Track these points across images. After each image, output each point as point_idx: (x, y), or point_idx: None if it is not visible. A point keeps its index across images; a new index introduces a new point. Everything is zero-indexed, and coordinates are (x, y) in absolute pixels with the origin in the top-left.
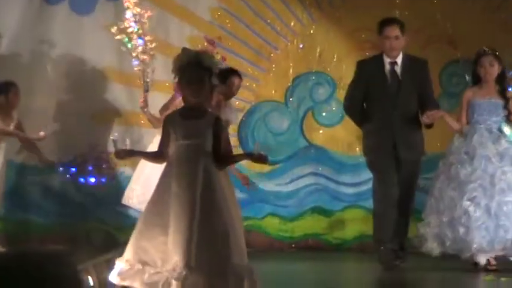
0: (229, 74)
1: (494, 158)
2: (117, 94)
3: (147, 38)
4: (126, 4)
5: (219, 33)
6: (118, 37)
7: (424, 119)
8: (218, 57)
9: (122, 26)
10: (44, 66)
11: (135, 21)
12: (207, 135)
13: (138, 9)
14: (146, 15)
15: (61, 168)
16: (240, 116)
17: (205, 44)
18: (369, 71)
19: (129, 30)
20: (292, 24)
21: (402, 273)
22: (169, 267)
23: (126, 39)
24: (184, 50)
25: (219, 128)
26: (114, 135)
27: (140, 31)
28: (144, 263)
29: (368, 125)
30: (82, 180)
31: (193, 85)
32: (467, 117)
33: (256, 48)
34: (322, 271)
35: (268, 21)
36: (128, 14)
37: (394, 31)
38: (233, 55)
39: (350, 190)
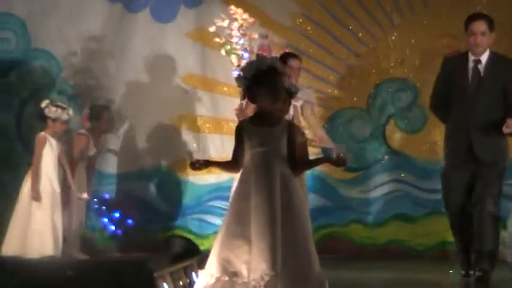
0: (286, 58)
1: None
2: (200, 101)
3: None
4: (233, 15)
5: (300, 40)
6: (217, 39)
7: (504, 128)
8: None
9: (218, 24)
10: (125, 72)
11: (243, 34)
12: (282, 141)
13: (246, 16)
14: (251, 24)
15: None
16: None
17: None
18: (451, 68)
19: (234, 40)
20: (373, 30)
21: (478, 281)
22: (256, 276)
23: (229, 47)
24: (259, 57)
25: (293, 133)
26: (193, 146)
27: (247, 44)
28: (231, 275)
29: (448, 127)
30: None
31: (272, 92)
32: None
33: (338, 54)
34: (404, 278)
35: (350, 27)
36: (235, 25)
37: (480, 26)
38: (314, 61)
39: (433, 196)
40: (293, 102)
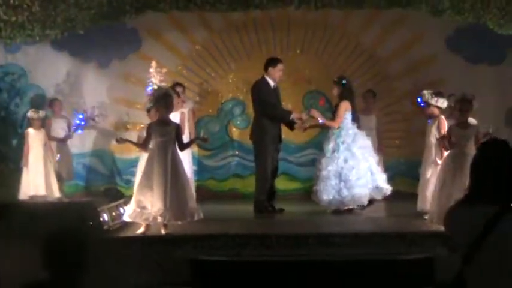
0: (175, 86)
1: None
2: (125, 113)
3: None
4: (152, 69)
5: (181, 78)
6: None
7: (305, 125)
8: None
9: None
10: (86, 97)
11: (157, 78)
12: (173, 134)
13: (157, 68)
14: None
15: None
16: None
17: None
18: (264, 89)
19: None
20: (219, 71)
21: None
22: (155, 209)
23: (150, 87)
24: (158, 88)
25: (180, 132)
26: (119, 135)
27: (157, 81)
28: (142, 208)
29: (265, 122)
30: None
31: (168, 106)
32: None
33: (201, 85)
34: (239, 209)
35: (207, 70)
36: (152, 75)
37: (282, 67)
38: (188, 90)
39: (253, 164)
40: (182, 109)
